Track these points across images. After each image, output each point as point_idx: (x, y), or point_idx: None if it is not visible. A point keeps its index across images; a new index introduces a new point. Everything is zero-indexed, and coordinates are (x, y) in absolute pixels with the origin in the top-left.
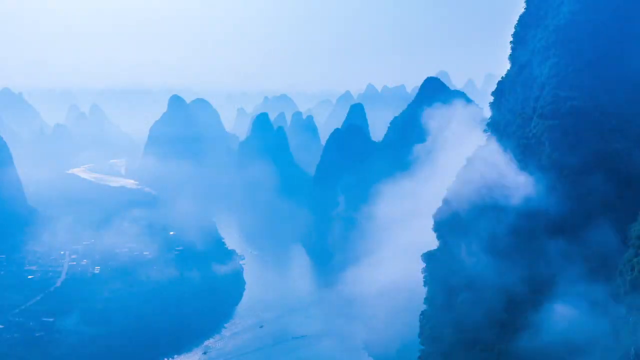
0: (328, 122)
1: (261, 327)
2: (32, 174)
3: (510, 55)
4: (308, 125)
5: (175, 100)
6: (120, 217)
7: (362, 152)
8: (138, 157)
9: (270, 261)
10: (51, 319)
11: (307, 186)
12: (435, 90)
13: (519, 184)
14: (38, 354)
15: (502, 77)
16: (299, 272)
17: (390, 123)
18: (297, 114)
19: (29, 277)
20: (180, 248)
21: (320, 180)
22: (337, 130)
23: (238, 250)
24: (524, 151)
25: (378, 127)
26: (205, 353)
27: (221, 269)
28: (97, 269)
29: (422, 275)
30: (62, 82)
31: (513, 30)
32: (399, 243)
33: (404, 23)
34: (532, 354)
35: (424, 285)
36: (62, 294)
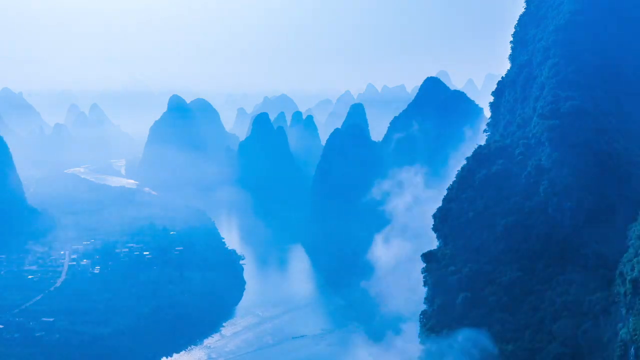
0: (328, 122)
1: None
2: (32, 174)
3: (510, 55)
4: (308, 125)
5: (176, 100)
6: (120, 217)
7: (362, 152)
8: (138, 157)
9: (270, 261)
10: (51, 319)
11: (307, 186)
12: (435, 90)
13: (516, 183)
14: (38, 354)
15: (502, 77)
16: (299, 272)
17: (390, 123)
18: (297, 114)
19: (29, 277)
20: (180, 248)
21: (320, 180)
22: (337, 130)
23: (238, 250)
24: (524, 151)
25: (378, 127)
26: None
27: (221, 269)
28: (97, 269)
29: (422, 275)
30: (62, 83)
31: (513, 30)
32: (399, 242)
33: (404, 23)
34: (532, 354)
35: (424, 286)
36: (62, 294)
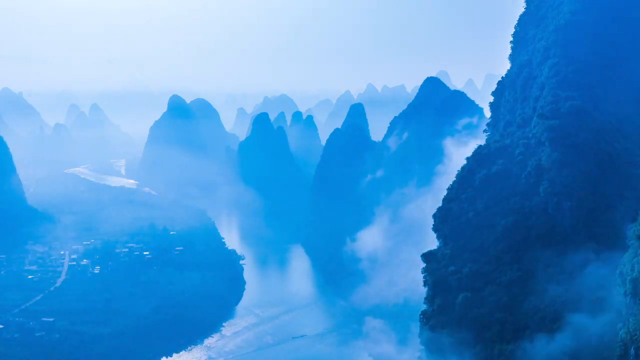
0: (328, 122)
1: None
2: (32, 174)
3: (510, 55)
4: (308, 125)
5: (176, 100)
6: (120, 218)
7: (362, 152)
8: (138, 157)
9: (270, 261)
10: (51, 319)
11: (307, 186)
12: (435, 90)
13: (516, 183)
14: (38, 354)
15: (502, 77)
16: (299, 272)
17: (390, 123)
18: (297, 114)
19: (29, 277)
20: (180, 248)
21: (320, 180)
22: (337, 130)
23: (238, 250)
24: (524, 151)
25: (378, 127)
26: None
27: (221, 269)
28: (97, 269)
29: (422, 275)
30: (62, 83)
31: (513, 30)
32: (399, 242)
33: (404, 23)
34: (532, 353)
35: (424, 285)
36: (62, 294)
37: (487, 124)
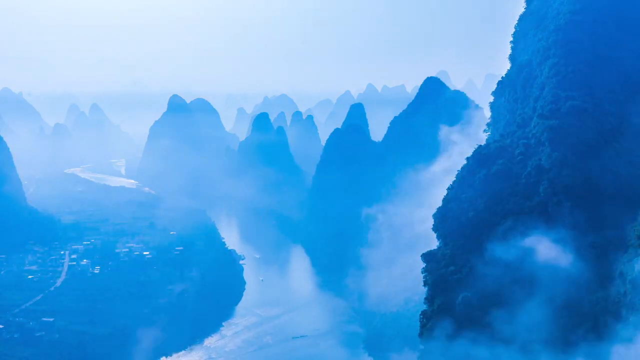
0: (328, 122)
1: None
2: (32, 174)
3: (510, 55)
4: (308, 125)
5: (176, 100)
6: (120, 217)
7: (362, 152)
8: (138, 157)
9: (270, 261)
10: (51, 319)
11: (307, 186)
12: (435, 90)
13: (516, 183)
14: (38, 354)
15: (502, 77)
16: (299, 272)
17: (390, 123)
18: (297, 114)
19: (29, 277)
20: (180, 248)
21: (320, 180)
22: (337, 130)
23: (238, 250)
24: (524, 151)
25: (378, 127)
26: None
27: (221, 269)
28: (97, 269)
29: (422, 275)
30: (62, 84)
31: (513, 30)
32: (399, 243)
33: (403, 23)
34: (532, 354)
35: (424, 285)
36: (62, 294)
37: (487, 124)
